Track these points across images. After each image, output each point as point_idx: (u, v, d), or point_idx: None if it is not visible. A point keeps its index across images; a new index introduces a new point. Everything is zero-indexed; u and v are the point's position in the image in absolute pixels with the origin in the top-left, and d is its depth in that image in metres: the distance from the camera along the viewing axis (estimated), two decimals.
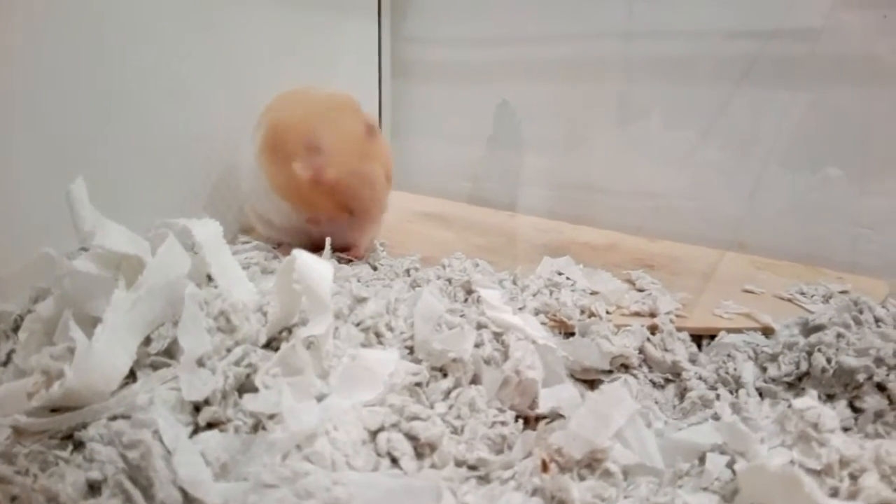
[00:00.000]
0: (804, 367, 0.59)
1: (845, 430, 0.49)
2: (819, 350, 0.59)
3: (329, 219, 0.78)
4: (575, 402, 0.50)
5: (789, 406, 0.47)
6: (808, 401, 0.47)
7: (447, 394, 0.53)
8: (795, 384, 0.60)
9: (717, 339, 0.67)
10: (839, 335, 0.60)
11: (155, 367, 0.49)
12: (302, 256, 0.50)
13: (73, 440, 0.45)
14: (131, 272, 0.51)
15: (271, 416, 0.43)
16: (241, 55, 0.94)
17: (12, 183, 0.67)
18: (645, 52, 1.02)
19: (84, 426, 0.45)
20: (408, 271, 0.79)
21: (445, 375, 0.54)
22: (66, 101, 0.72)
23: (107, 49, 0.75)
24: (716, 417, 0.57)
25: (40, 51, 0.69)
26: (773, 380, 0.60)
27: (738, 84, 0.95)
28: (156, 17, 0.80)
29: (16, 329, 0.57)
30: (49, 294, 0.55)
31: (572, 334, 0.67)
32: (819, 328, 0.63)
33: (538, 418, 0.53)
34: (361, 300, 0.56)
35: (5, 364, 0.54)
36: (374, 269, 0.80)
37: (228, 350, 0.49)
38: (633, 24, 1.02)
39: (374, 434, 0.45)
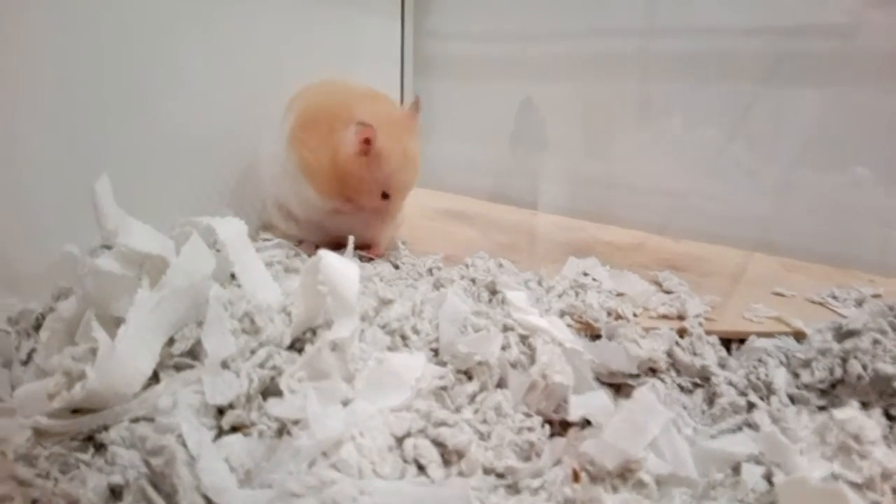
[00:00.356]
0: (838, 373, 0.57)
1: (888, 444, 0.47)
2: (855, 357, 0.57)
3: (361, 198, 0.76)
4: (607, 409, 0.48)
5: (830, 416, 0.46)
6: (850, 411, 0.46)
7: (473, 398, 0.52)
8: (829, 391, 0.58)
9: (747, 343, 0.66)
10: (875, 341, 0.58)
11: (178, 368, 0.49)
12: (328, 257, 0.49)
13: (94, 442, 0.45)
14: (155, 271, 0.51)
15: (296, 422, 0.42)
16: (265, 52, 0.93)
17: (36, 181, 0.67)
18: (669, 49, 1.00)
19: (106, 428, 0.45)
20: (430, 270, 0.78)
21: (471, 378, 0.53)
22: (88, 100, 0.71)
23: (129, 48, 0.75)
24: (748, 424, 0.56)
25: (63, 51, 0.68)
26: (806, 386, 0.59)
27: (764, 82, 0.93)
28: (178, 16, 0.80)
29: (37, 327, 0.56)
30: (71, 293, 0.54)
31: (598, 337, 0.66)
32: (853, 333, 0.62)
33: (565, 423, 0.52)
34: (387, 302, 0.55)
35: (26, 363, 0.54)
36: (396, 267, 0.80)
37: (253, 352, 0.48)
38: (658, 21, 1.00)
39: (400, 440, 0.44)
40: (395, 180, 0.75)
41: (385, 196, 0.76)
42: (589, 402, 0.49)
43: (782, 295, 0.76)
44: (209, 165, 0.88)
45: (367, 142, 0.71)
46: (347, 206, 0.77)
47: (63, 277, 0.57)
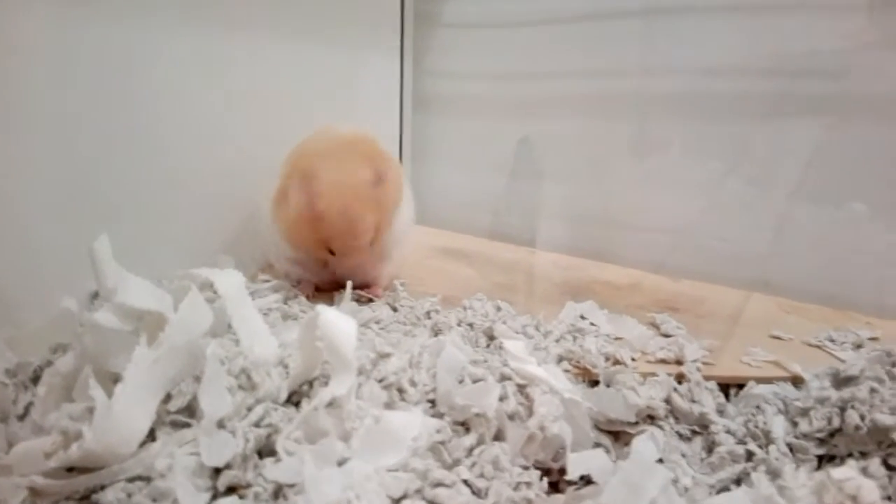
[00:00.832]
0: (836, 423, 0.57)
1: (888, 499, 0.47)
2: (852, 407, 0.57)
3: (313, 253, 0.79)
4: (606, 468, 0.48)
5: (827, 475, 0.46)
6: (847, 471, 0.45)
7: (470, 451, 0.51)
8: (827, 440, 0.58)
9: (745, 389, 0.66)
10: (872, 390, 0.58)
11: (175, 425, 0.49)
12: (325, 313, 0.49)
13: (89, 502, 0.45)
14: (153, 327, 0.51)
15: (292, 486, 0.42)
16: (264, 90, 0.94)
17: (35, 231, 0.67)
18: (667, 87, 1.01)
19: (102, 488, 0.45)
20: (428, 314, 0.78)
21: (468, 430, 0.53)
22: (89, 153, 0.72)
23: (128, 95, 0.75)
24: (746, 473, 0.56)
25: (63, 103, 0.69)
26: (805, 435, 0.59)
27: (762, 119, 0.94)
28: (176, 57, 0.81)
29: (35, 380, 0.56)
30: (69, 348, 0.54)
31: (597, 382, 0.66)
32: (851, 380, 0.62)
33: (562, 475, 0.52)
34: (384, 356, 0.55)
35: (23, 417, 0.53)
36: (394, 310, 0.80)
37: (249, 409, 0.48)
38: (656, 59, 1.01)
39: (397, 502, 0.43)
40: (334, 244, 0.76)
41: (331, 252, 0.77)
42: (588, 462, 0.49)
43: (780, 338, 0.76)
44: (207, 205, 0.88)
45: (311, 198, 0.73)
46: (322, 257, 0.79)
47: (61, 335, 0.58)
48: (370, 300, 0.82)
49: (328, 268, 0.82)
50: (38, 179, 0.67)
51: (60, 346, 0.58)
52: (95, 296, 0.71)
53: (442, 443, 0.50)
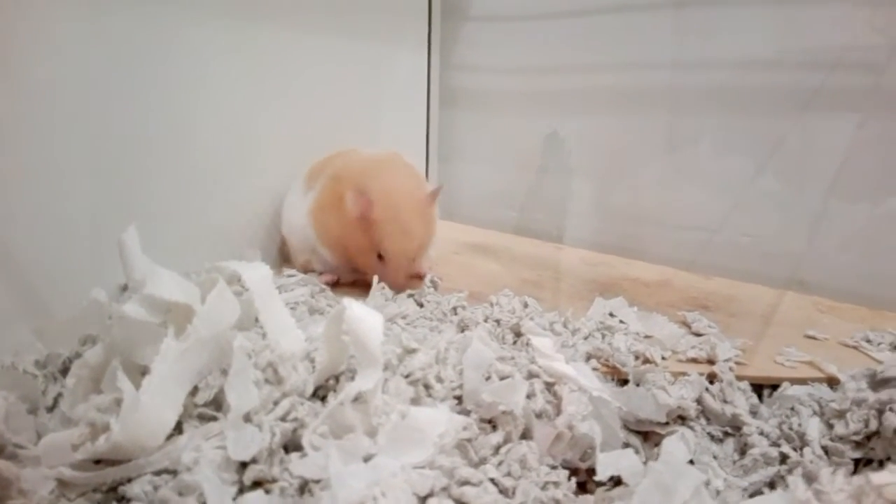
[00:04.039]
0: (874, 425, 0.56)
1: None
2: (890, 409, 0.55)
3: (360, 260, 0.83)
4: (636, 469, 0.47)
5: (867, 480, 0.44)
6: (888, 475, 0.44)
7: (497, 449, 0.51)
8: (864, 443, 0.56)
9: (779, 390, 0.64)
10: None
11: (201, 418, 0.49)
12: (352, 308, 0.49)
13: (116, 495, 0.45)
14: (181, 319, 0.51)
15: (318, 481, 0.42)
16: (293, 86, 0.94)
17: (65, 221, 0.68)
18: (697, 82, 0.99)
19: (128, 480, 0.45)
20: (455, 309, 0.77)
21: (495, 428, 0.52)
22: (116, 145, 0.73)
23: (157, 87, 0.76)
24: (780, 476, 0.54)
25: (91, 97, 0.69)
26: (841, 438, 0.57)
27: (796, 114, 0.92)
28: (205, 53, 0.81)
29: (64, 372, 0.56)
30: (98, 339, 0.55)
31: (626, 381, 0.65)
32: (888, 381, 0.60)
33: (590, 475, 0.51)
34: (411, 351, 0.55)
35: (51, 409, 0.54)
36: (420, 305, 0.79)
37: (275, 403, 0.48)
38: (686, 53, 1.00)
39: (423, 500, 0.43)
40: (384, 245, 0.79)
41: (380, 257, 0.80)
42: (618, 462, 0.48)
43: (814, 338, 0.74)
44: (236, 199, 0.89)
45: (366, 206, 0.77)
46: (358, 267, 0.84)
47: (90, 326, 0.58)
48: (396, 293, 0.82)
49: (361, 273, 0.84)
50: (68, 173, 0.68)
51: (89, 337, 0.58)
52: (124, 288, 0.72)
53: (468, 440, 0.50)
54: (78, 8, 0.66)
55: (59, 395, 0.54)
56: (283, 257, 0.96)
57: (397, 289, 0.81)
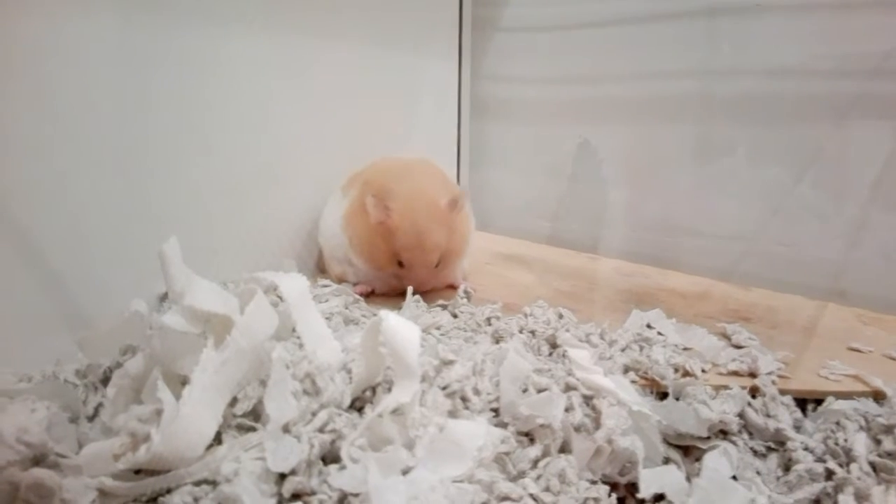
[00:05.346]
0: None
1: None
2: None
3: (384, 266, 0.82)
4: (680, 486, 0.46)
5: None
6: None
7: (535, 463, 0.50)
8: None
9: (824, 404, 0.63)
10: None
11: (240, 429, 0.49)
12: (389, 319, 0.49)
13: None
14: (220, 329, 0.51)
15: (357, 495, 0.41)
16: (328, 96, 0.95)
17: (104, 232, 0.69)
18: (733, 89, 0.98)
19: (168, 491, 0.45)
20: (489, 320, 0.77)
21: (532, 441, 0.52)
22: (154, 157, 0.74)
23: (194, 95, 0.77)
24: (826, 493, 0.53)
25: (128, 105, 0.70)
26: (889, 454, 0.55)
27: (833, 123, 0.90)
28: (241, 63, 0.82)
29: (105, 381, 0.57)
30: (138, 350, 0.55)
31: (665, 394, 0.64)
32: None
33: (630, 490, 0.50)
34: (448, 363, 0.54)
35: (92, 418, 0.54)
36: (454, 316, 0.79)
37: (314, 414, 0.48)
38: (721, 61, 0.98)
39: None
40: (404, 254, 0.79)
41: (401, 264, 0.80)
42: (661, 479, 0.47)
43: (859, 350, 0.72)
44: (271, 210, 0.90)
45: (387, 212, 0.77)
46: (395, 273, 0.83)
47: (131, 337, 0.58)
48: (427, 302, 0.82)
49: (396, 284, 0.83)
50: (107, 185, 0.69)
51: (130, 347, 0.59)
52: (164, 297, 0.72)
53: (507, 454, 0.49)
54: (111, 24, 0.67)
55: (100, 404, 0.54)
56: (319, 269, 0.96)
57: (419, 291, 0.81)
